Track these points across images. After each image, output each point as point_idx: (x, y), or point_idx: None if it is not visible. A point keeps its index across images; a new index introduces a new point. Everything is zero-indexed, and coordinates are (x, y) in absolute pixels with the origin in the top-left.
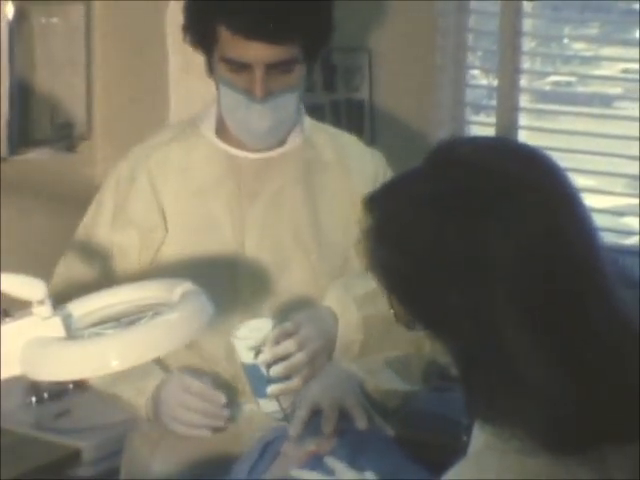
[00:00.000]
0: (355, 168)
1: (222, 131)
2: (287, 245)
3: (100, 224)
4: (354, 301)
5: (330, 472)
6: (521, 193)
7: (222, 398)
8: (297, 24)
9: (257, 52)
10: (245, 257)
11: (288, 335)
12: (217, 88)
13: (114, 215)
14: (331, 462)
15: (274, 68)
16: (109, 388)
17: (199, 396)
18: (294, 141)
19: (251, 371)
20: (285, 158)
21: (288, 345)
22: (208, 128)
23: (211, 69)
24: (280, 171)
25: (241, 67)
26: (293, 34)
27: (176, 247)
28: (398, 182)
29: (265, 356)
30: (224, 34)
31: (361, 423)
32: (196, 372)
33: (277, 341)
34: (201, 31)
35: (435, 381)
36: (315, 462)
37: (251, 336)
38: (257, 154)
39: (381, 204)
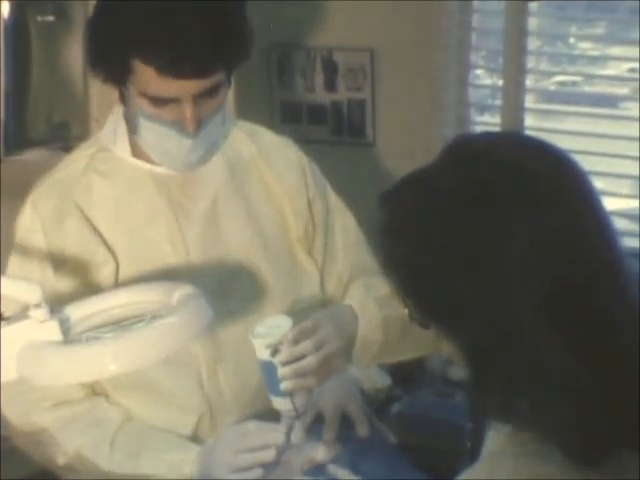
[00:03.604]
0: (277, 158)
1: (139, 151)
2: (234, 258)
3: (35, 272)
4: (375, 301)
5: (333, 479)
6: (540, 187)
7: (282, 427)
8: (224, 52)
9: (185, 87)
10: (192, 279)
11: (306, 335)
12: (132, 117)
13: (53, 261)
14: (333, 469)
15: (202, 97)
16: (132, 469)
17: (258, 432)
18: (217, 153)
19: (266, 368)
20: (209, 168)
21: (305, 346)
22: (123, 150)
23: (123, 98)
24: (208, 182)
25: (166, 101)
26: (221, 63)
27: (125, 278)
28: (413, 178)
29: (282, 356)
30: (142, 69)
31: (363, 430)
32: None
33: (295, 340)
34: (112, 65)
35: (438, 386)
36: (318, 469)
37: (269, 333)
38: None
39: (396, 199)
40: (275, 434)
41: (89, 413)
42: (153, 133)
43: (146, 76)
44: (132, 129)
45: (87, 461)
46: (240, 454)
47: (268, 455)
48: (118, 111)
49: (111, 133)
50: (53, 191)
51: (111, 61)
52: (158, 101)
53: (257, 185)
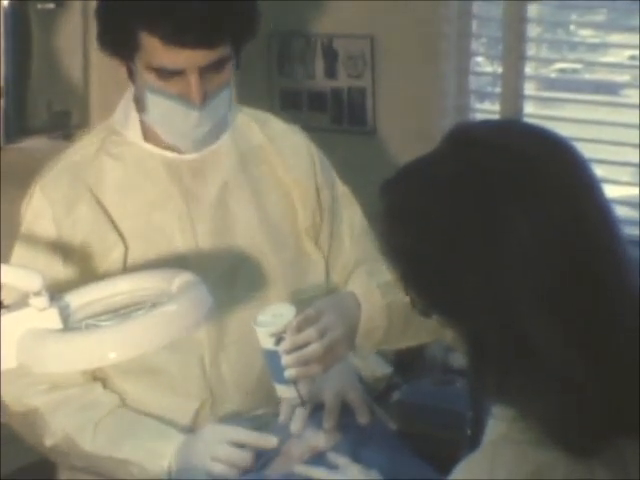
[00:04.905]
0: (286, 146)
1: (150, 135)
2: (241, 245)
3: (43, 262)
4: (378, 288)
5: (333, 467)
6: (540, 175)
7: (273, 441)
8: (229, 23)
9: (190, 58)
10: (199, 265)
11: (310, 323)
12: (140, 94)
13: (61, 247)
14: (334, 457)
15: (207, 70)
16: (115, 453)
17: (239, 444)
18: (224, 134)
19: (271, 357)
20: (219, 154)
21: (308, 334)
22: (135, 134)
23: (131, 74)
24: (218, 168)
25: (172, 74)
26: (226, 35)
27: (133, 262)
28: (413, 166)
29: (285, 344)
30: (148, 40)
31: (364, 418)
32: (234, 419)
33: (299, 328)
34: (120, 38)
35: (438, 374)
36: (318, 458)
37: (273, 322)
38: (192, 155)
39: (397, 188)
40: (243, 455)
41: (82, 397)
42: (160, 108)
43: (152, 47)
44: (140, 108)
45: (71, 442)
46: (224, 444)
47: (244, 458)
48: (129, 96)
49: (122, 117)
50: (64, 176)
51: (118, 35)
52: (164, 74)
53: (266, 173)
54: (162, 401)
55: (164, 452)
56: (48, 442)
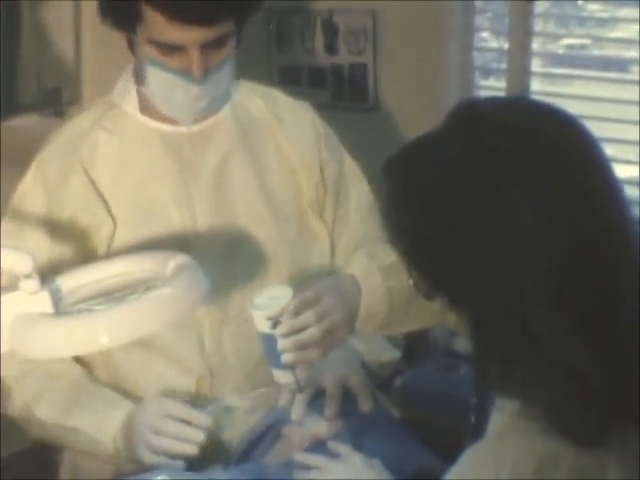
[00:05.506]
0: (290, 121)
1: (148, 108)
2: (241, 219)
3: (30, 238)
4: (379, 271)
5: (334, 456)
6: (546, 152)
7: (205, 420)
8: (233, 1)
9: (192, 34)
10: (198, 240)
11: (308, 306)
12: (140, 66)
13: (51, 223)
14: (335, 445)
15: (209, 46)
16: (65, 421)
17: (179, 419)
18: (225, 107)
19: (267, 341)
20: (219, 126)
21: (307, 317)
22: (132, 107)
23: (132, 46)
24: (217, 141)
25: (173, 49)
26: (230, 12)
27: (127, 238)
28: (418, 143)
29: (282, 328)
30: (151, 14)
31: (366, 405)
32: (175, 396)
33: (296, 312)
34: (122, 10)
35: (442, 360)
36: (319, 445)
37: (270, 305)
38: (190, 127)
39: (400, 165)
40: (190, 431)
41: (47, 367)
42: (160, 80)
43: (154, 21)
44: (140, 80)
45: (29, 410)
46: (154, 435)
47: (194, 435)
48: (129, 69)
49: (122, 90)
50: (58, 151)
51: (121, 6)
52: (166, 49)
53: (269, 147)
54: (159, 374)
55: (111, 422)
56: (12, 411)
